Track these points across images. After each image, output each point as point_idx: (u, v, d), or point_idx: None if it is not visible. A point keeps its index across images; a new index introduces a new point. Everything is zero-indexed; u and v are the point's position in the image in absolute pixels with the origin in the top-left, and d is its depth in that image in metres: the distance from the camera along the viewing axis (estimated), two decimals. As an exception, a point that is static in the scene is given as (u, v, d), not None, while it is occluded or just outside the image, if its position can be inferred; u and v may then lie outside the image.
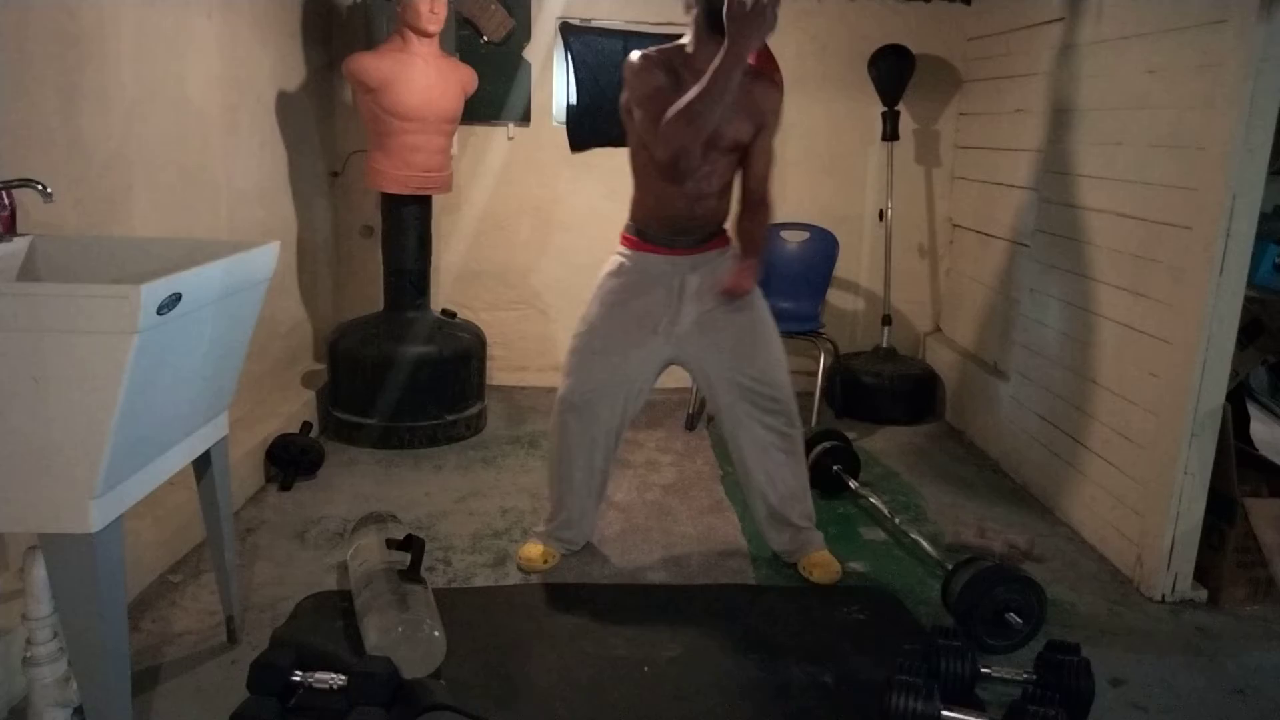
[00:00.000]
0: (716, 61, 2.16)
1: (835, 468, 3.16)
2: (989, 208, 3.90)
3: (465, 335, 3.66)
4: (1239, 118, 2.33)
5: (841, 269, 4.20)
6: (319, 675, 1.89)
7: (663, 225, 2.47)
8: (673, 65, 2.33)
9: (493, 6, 3.97)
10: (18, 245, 1.89)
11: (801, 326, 3.88)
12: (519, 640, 2.25)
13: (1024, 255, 3.51)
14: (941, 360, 4.20)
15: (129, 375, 1.47)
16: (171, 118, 2.72)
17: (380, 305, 3.68)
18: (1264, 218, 2.44)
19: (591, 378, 2.52)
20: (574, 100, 3.83)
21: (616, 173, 4.14)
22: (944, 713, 1.85)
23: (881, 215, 4.20)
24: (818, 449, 3.18)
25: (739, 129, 2.37)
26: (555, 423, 2.59)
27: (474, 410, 3.67)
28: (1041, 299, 3.35)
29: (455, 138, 3.70)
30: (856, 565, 2.71)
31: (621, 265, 2.52)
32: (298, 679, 1.88)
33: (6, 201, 1.89)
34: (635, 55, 2.35)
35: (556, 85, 4.11)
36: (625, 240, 2.55)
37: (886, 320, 4.23)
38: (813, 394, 3.92)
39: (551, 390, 4.21)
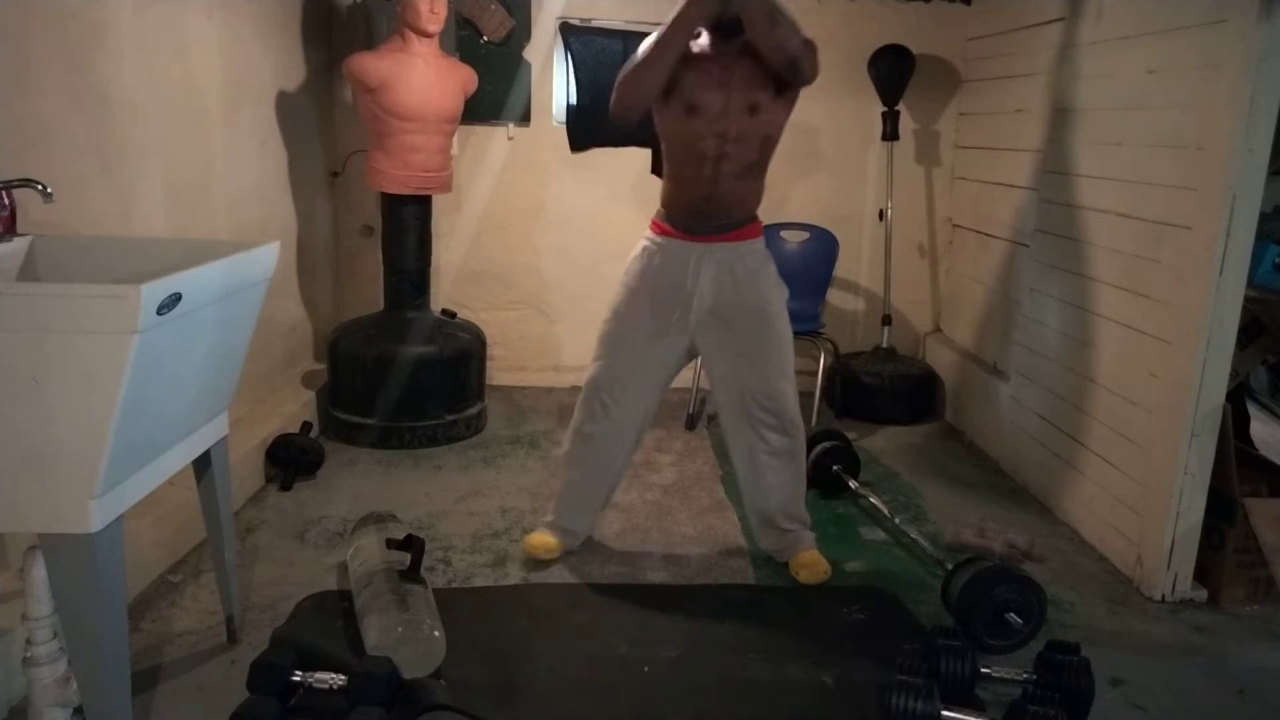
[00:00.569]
0: (677, 9, 2.25)
1: (835, 468, 3.16)
2: (989, 208, 3.90)
3: (465, 335, 3.66)
4: (1239, 118, 2.33)
5: (841, 269, 4.20)
6: (319, 675, 1.89)
7: (683, 210, 2.48)
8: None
9: (493, 6, 3.97)
10: (18, 245, 1.89)
11: (801, 326, 3.86)
12: (519, 640, 2.25)
13: (1024, 255, 3.51)
14: (941, 360, 4.20)
15: (129, 375, 1.47)
16: (172, 118, 2.72)
17: (380, 305, 3.68)
18: (1264, 218, 2.44)
19: (619, 363, 2.56)
20: (574, 100, 3.83)
21: (616, 173, 4.17)
22: (944, 713, 1.85)
23: (881, 215, 4.20)
24: (818, 449, 3.18)
25: (754, 91, 2.35)
26: (581, 407, 2.61)
27: (474, 410, 3.67)
28: (1041, 299, 3.35)
29: (455, 138, 3.70)
30: (856, 565, 2.71)
31: (644, 249, 2.54)
32: (298, 679, 1.88)
33: (6, 201, 1.89)
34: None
35: (556, 85, 4.11)
36: (652, 225, 2.57)
37: (886, 320, 4.23)
38: (813, 394, 3.92)
39: (552, 390, 4.28)
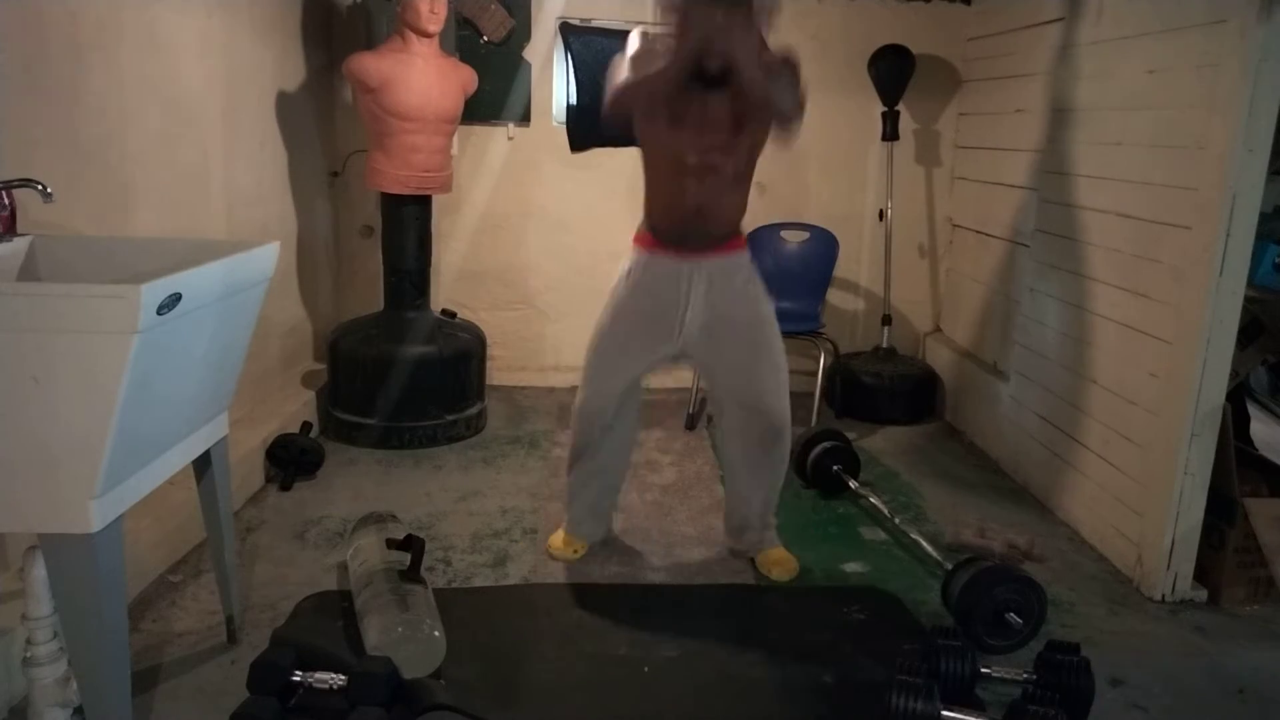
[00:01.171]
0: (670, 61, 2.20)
1: (835, 468, 3.16)
2: (989, 208, 3.90)
3: (465, 335, 3.66)
4: (1239, 118, 2.33)
5: (841, 269, 4.20)
6: (319, 675, 1.89)
7: (671, 223, 2.41)
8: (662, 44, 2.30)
9: (493, 6, 3.97)
10: (18, 245, 1.89)
11: (801, 326, 3.88)
12: (519, 640, 2.25)
13: (1024, 255, 3.51)
14: (941, 360, 4.20)
15: (129, 375, 1.47)
16: (172, 118, 2.72)
17: (380, 305, 3.68)
18: (1264, 218, 2.44)
19: (608, 387, 2.54)
20: (574, 100, 3.83)
21: (616, 173, 4.17)
22: (944, 713, 1.85)
23: (881, 215, 4.20)
24: (818, 449, 3.19)
25: (738, 99, 2.27)
26: (579, 433, 2.62)
27: (474, 410, 3.67)
28: (1041, 299, 3.35)
29: (455, 138, 3.70)
30: (856, 565, 2.71)
31: (630, 268, 2.50)
32: (298, 679, 1.88)
33: (6, 201, 1.89)
34: (635, 32, 2.35)
35: (556, 85, 4.11)
36: (636, 240, 2.52)
37: (886, 320, 4.23)
38: (813, 394, 3.92)
39: (552, 390, 4.28)
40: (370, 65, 3.28)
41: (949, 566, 2.40)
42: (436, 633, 2.09)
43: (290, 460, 3.10)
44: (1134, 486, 2.71)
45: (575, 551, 2.68)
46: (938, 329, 4.45)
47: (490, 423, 3.79)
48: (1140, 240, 2.74)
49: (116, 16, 2.40)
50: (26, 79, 2.07)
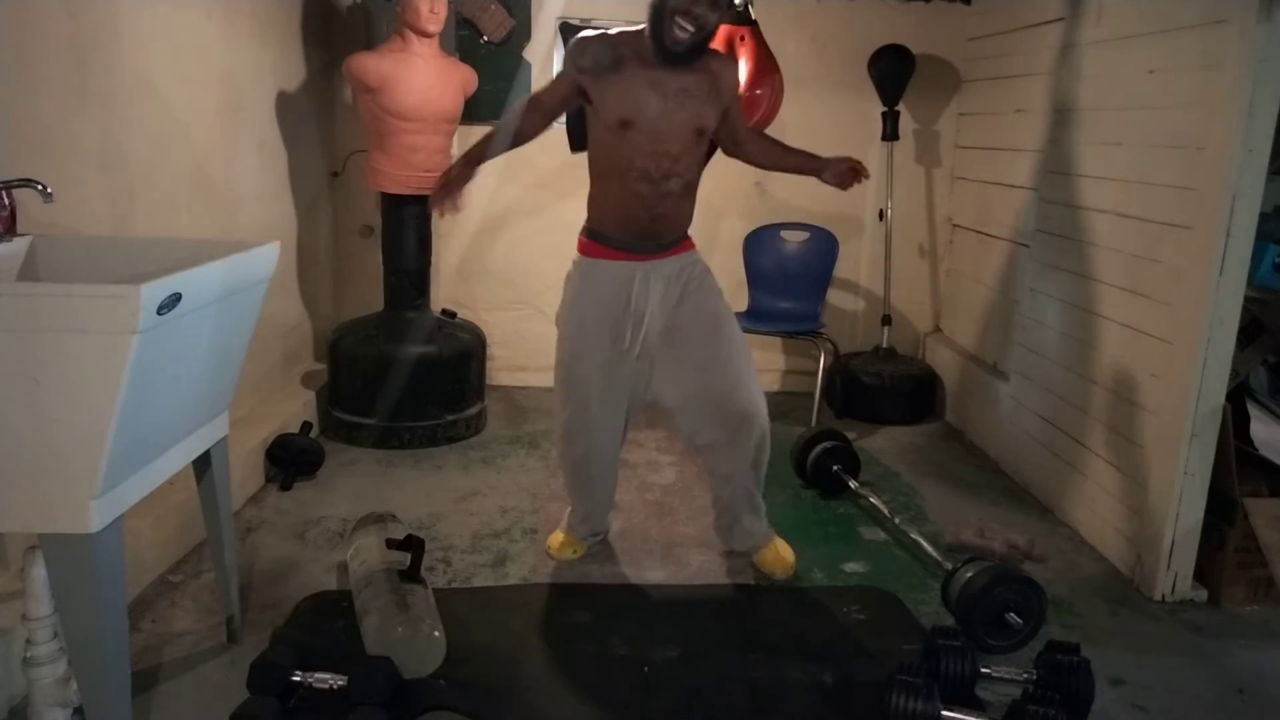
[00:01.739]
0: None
1: (835, 468, 3.16)
2: (989, 208, 3.90)
3: (465, 335, 3.66)
4: (1239, 118, 2.33)
5: (841, 269, 4.20)
6: (319, 675, 1.89)
7: (621, 228, 2.35)
8: (619, 47, 2.26)
9: (493, 6, 3.97)
10: (18, 245, 1.89)
11: (801, 326, 3.88)
12: (519, 640, 2.25)
13: (1024, 255, 3.51)
14: (941, 360, 4.20)
15: (129, 375, 1.47)
16: (172, 118, 2.72)
17: (380, 305, 3.68)
18: (1264, 218, 2.44)
19: (584, 407, 2.49)
20: (574, 100, 3.83)
21: (616, 173, 4.17)
22: (944, 713, 1.85)
23: (881, 215, 4.20)
24: (818, 449, 3.19)
25: (702, 113, 2.30)
26: (563, 453, 2.63)
27: (474, 410, 3.67)
28: (1041, 299, 3.35)
29: (455, 138, 3.70)
30: (856, 565, 2.71)
31: (577, 280, 2.44)
32: (298, 679, 1.88)
33: (6, 201, 1.89)
34: (584, 33, 2.33)
35: (556, 85, 4.11)
36: (581, 245, 2.43)
37: (886, 320, 4.23)
38: (813, 394, 3.92)
39: (552, 390, 4.27)
40: (370, 65, 3.28)
41: (949, 566, 2.40)
42: (436, 633, 2.09)
43: (290, 460, 3.10)
44: (1134, 486, 2.71)
45: (575, 551, 2.67)
46: (938, 329, 4.45)
47: (490, 423, 3.79)
48: (1140, 240, 2.74)
49: (116, 16, 2.40)
50: (27, 79, 2.07)
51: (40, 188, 1.84)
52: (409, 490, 3.12)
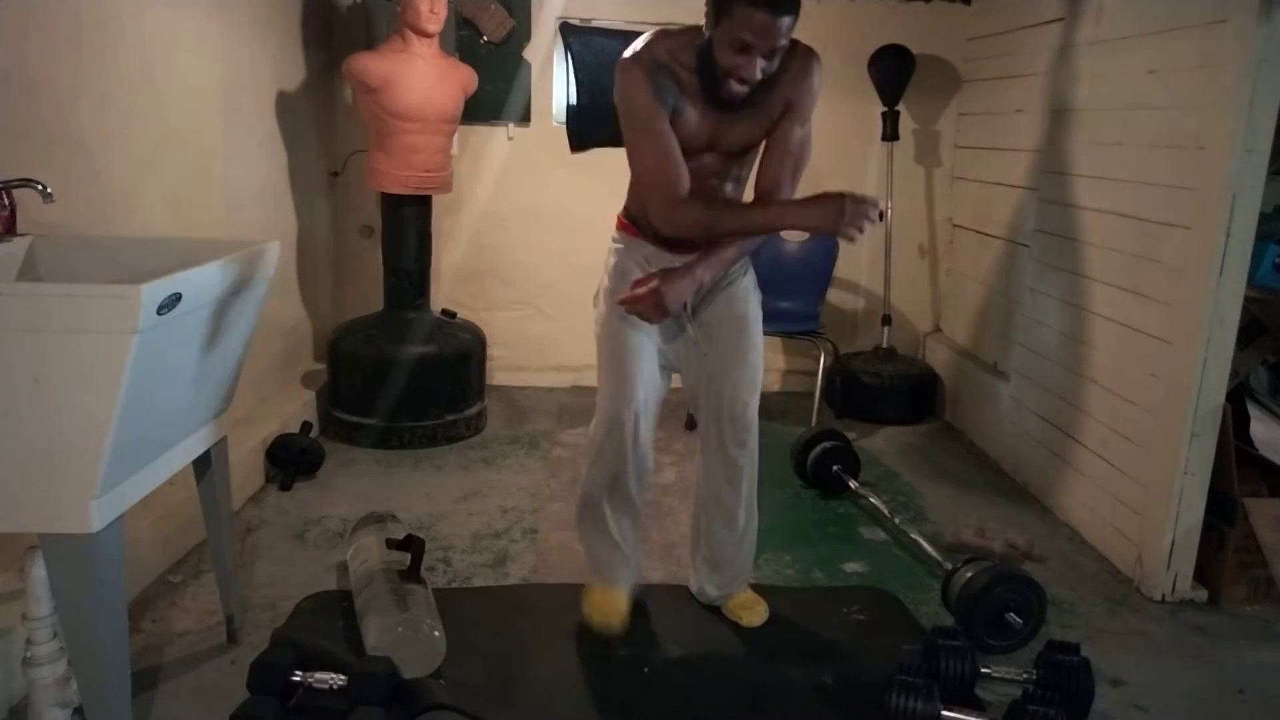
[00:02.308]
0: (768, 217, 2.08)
1: (835, 468, 3.16)
2: (989, 208, 3.90)
3: (465, 335, 3.66)
4: (1239, 118, 2.33)
5: (841, 269, 4.19)
6: (319, 675, 1.89)
7: (667, 232, 2.18)
8: (671, 66, 2.04)
9: (493, 6, 3.98)
10: (18, 245, 1.89)
11: (801, 326, 3.88)
12: (519, 640, 2.25)
13: (1024, 255, 3.52)
14: (941, 360, 4.20)
15: (129, 375, 1.47)
16: (172, 118, 2.71)
17: (380, 305, 3.68)
18: (1264, 218, 2.44)
19: (636, 390, 2.19)
20: (574, 100, 3.83)
21: (617, 173, 4.11)
22: (944, 713, 1.85)
23: (881, 215, 4.19)
24: (818, 449, 3.19)
25: (749, 130, 2.11)
26: (598, 452, 2.22)
27: (474, 410, 3.67)
28: (1041, 299, 3.35)
29: (455, 138, 3.70)
30: (856, 565, 2.71)
31: (622, 250, 2.30)
32: (298, 679, 1.88)
33: (6, 201, 1.89)
34: (627, 52, 2.07)
35: (556, 85, 4.11)
36: (620, 224, 2.33)
37: (886, 320, 4.23)
38: (813, 394, 3.92)
39: (552, 390, 4.27)
40: (370, 65, 3.28)
41: (949, 566, 2.40)
42: (436, 633, 2.09)
43: (290, 460, 3.10)
44: (1134, 486, 2.71)
45: (621, 618, 2.24)
46: (938, 329, 4.45)
47: (490, 423, 3.79)
48: (1140, 240, 2.74)
49: (116, 16, 2.40)
50: (27, 79, 2.07)
51: (40, 188, 1.83)
52: (409, 490, 3.12)
